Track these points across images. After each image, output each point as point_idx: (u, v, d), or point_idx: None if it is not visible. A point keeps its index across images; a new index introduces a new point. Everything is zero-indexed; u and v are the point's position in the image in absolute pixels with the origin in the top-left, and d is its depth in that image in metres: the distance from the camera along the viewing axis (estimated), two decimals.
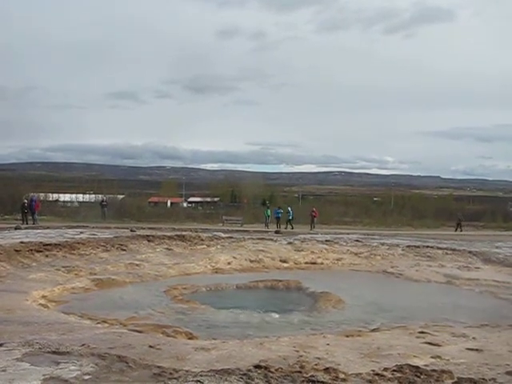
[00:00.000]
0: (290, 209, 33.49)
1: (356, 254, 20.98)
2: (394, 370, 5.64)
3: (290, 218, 32.85)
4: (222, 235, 22.73)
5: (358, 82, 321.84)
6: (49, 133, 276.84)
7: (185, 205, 65.03)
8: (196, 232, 23.27)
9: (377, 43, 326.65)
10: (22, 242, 16.83)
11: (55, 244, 17.51)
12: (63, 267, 15.66)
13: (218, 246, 21.09)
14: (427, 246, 21.73)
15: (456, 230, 35.17)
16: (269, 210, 33.99)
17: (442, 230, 35.87)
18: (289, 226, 32.00)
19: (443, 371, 5.61)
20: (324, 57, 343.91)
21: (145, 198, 59.08)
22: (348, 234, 26.08)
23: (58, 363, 5.35)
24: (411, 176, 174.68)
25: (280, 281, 16.40)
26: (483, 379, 5.31)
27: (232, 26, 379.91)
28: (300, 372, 5.44)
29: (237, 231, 26.47)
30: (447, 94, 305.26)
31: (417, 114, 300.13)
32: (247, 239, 22.34)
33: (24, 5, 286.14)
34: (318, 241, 22.64)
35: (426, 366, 5.96)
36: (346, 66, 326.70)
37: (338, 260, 20.40)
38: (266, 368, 5.47)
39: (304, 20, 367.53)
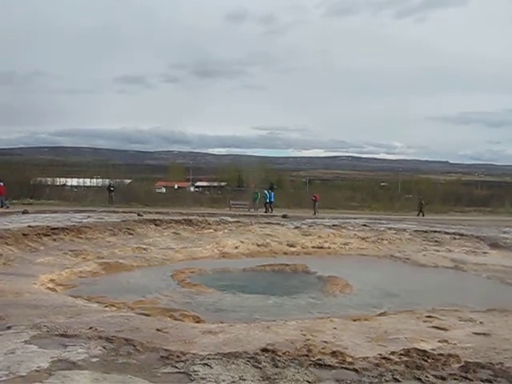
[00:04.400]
0: (267, 192, 33.38)
1: (363, 239, 20.95)
2: (401, 354, 5.64)
3: (268, 200, 32.76)
4: (229, 219, 22.75)
5: (368, 66, 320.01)
6: (56, 117, 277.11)
7: (192, 189, 64.98)
8: (203, 216, 23.28)
9: (387, 27, 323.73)
10: (29, 226, 16.91)
11: (63, 228, 17.59)
12: (71, 251, 15.73)
13: (226, 231, 21.12)
14: (435, 231, 21.68)
15: (418, 214, 34.57)
16: (258, 193, 33.95)
17: (406, 214, 35.26)
18: (269, 210, 31.92)
19: (450, 355, 5.60)
20: (334, 41, 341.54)
21: (152, 183, 59.04)
22: (355, 218, 26.05)
23: (66, 346, 5.38)
24: (419, 161, 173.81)
25: (287, 265, 16.42)
26: (490, 363, 5.30)
27: (241, 9, 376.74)
28: (307, 355, 5.44)
29: (244, 215, 26.46)
30: (456, 78, 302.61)
31: (425, 99, 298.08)
32: (254, 223, 22.35)
33: None
34: (325, 225, 22.62)
35: (433, 350, 5.95)
36: (356, 51, 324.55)
37: (345, 244, 20.38)
38: (273, 351, 5.48)
39: (314, 3, 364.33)
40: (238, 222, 22.42)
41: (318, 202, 33.44)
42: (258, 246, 19.69)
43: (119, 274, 14.40)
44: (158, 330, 6.68)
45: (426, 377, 4.78)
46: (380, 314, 9.77)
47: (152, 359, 5.09)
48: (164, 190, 58.22)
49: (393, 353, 5.72)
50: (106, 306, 9.69)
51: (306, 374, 4.75)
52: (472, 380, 4.78)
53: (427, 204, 36.28)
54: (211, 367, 4.78)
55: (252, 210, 32.66)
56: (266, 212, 30.94)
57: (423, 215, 33.69)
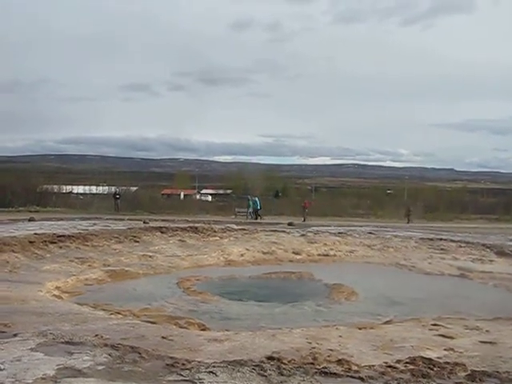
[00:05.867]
0: (256, 199, 33.45)
1: (369, 247, 20.89)
2: (407, 363, 5.62)
3: (258, 208, 32.86)
4: (235, 227, 22.75)
5: (373, 73, 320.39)
6: (62, 125, 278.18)
7: (198, 197, 64.97)
8: (209, 224, 23.29)
9: (393, 34, 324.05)
10: (35, 234, 16.96)
11: (69, 235, 17.62)
12: (77, 258, 15.76)
13: (231, 238, 21.09)
14: (441, 239, 21.57)
15: (408, 221, 34.36)
16: (250, 201, 33.90)
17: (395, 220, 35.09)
18: (258, 217, 32.02)
19: (456, 364, 5.58)
20: (340, 48, 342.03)
21: (158, 190, 59.04)
22: (361, 226, 26.00)
23: (72, 353, 5.39)
24: (425, 168, 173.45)
25: (293, 273, 16.41)
26: (497, 372, 5.28)
27: (247, 17, 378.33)
28: (313, 364, 5.44)
29: (249, 223, 26.47)
30: (462, 85, 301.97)
31: (431, 106, 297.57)
32: (260, 231, 22.32)
33: None
34: (330, 233, 22.58)
35: (439, 358, 5.93)
36: (362, 57, 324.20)
37: (350, 252, 20.34)
38: (278, 359, 5.47)
39: (320, 11, 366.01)
40: (244, 229, 22.42)
41: (307, 208, 33.59)
42: (264, 253, 19.66)
43: (125, 282, 14.42)
44: (163, 337, 6.69)
45: None
46: (386, 322, 9.75)
47: (157, 367, 5.09)
48: (210, 197, 58.15)
49: (398, 361, 5.70)
50: (111, 314, 9.70)
51: (311, 382, 4.74)
52: None
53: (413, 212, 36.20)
54: (216, 375, 4.78)
55: (249, 217, 32.67)
56: (255, 219, 31.07)
57: (408, 222, 33.70)
